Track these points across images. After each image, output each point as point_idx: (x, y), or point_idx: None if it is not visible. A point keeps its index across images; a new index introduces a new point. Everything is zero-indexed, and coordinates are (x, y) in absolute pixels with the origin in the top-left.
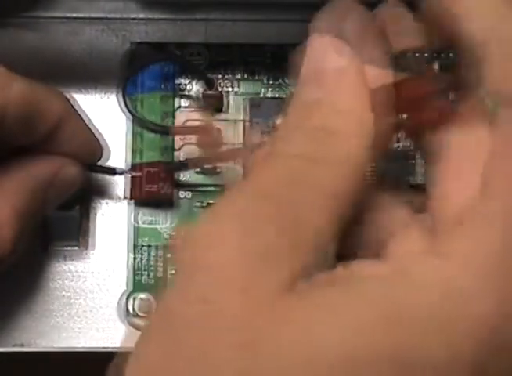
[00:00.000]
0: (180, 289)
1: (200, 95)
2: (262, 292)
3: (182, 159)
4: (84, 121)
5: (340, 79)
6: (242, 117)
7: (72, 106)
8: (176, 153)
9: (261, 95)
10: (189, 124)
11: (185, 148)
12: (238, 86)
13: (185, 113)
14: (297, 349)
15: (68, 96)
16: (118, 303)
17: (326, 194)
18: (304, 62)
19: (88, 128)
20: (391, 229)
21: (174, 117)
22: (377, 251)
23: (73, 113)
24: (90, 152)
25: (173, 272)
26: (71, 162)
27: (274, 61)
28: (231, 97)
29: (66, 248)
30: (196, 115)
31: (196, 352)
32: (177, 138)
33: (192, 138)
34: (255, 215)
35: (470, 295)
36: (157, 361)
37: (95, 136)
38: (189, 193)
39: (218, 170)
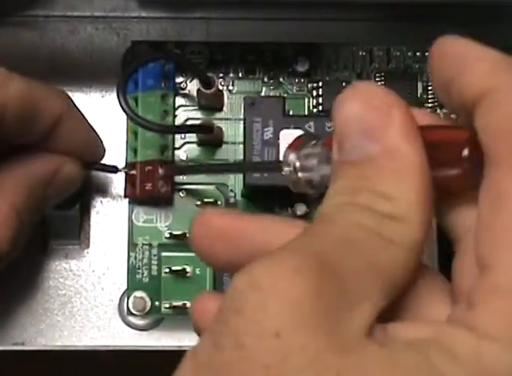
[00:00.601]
0: (251, 324)
1: (200, 94)
2: (338, 334)
3: (182, 158)
4: (85, 119)
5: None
6: (242, 116)
7: (73, 104)
8: (177, 152)
9: (261, 94)
10: (189, 122)
11: (186, 147)
12: (238, 85)
13: (186, 112)
14: None
15: (69, 95)
16: (118, 301)
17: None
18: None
19: (90, 126)
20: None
21: (174, 116)
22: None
23: (73, 112)
24: (91, 150)
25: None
26: (71, 160)
27: (274, 60)
28: (231, 96)
29: (65, 247)
30: (196, 114)
31: None
32: (177, 137)
33: (193, 137)
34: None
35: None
36: None
37: (96, 135)
38: (188, 191)
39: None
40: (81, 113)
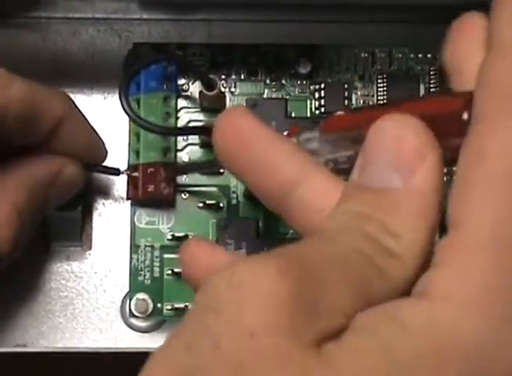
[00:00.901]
0: (228, 323)
1: (202, 96)
2: (311, 333)
3: (185, 160)
4: (87, 121)
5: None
6: None
7: (75, 106)
8: (179, 154)
9: (263, 96)
10: (191, 124)
11: (188, 149)
12: (240, 87)
13: (188, 114)
14: None
15: (71, 97)
16: (120, 303)
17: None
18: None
19: (92, 128)
20: None
21: (176, 118)
22: None
23: (74, 113)
24: (93, 152)
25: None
26: (73, 162)
27: (276, 62)
28: (233, 97)
29: (67, 248)
30: (198, 116)
31: None
32: (179, 139)
33: (195, 138)
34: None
35: (457, 327)
36: None
37: (98, 137)
38: (190, 193)
39: (221, 171)
40: (83, 115)
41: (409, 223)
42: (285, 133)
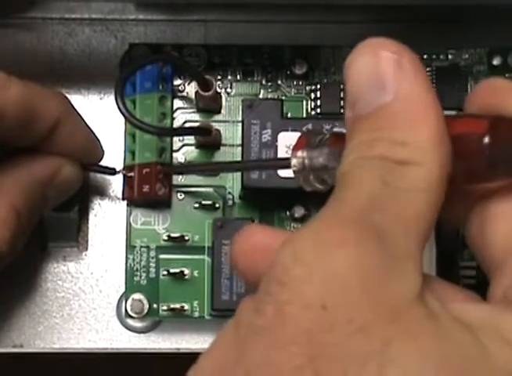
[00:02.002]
0: (295, 295)
1: (198, 97)
2: (387, 303)
3: (181, 161)
4: (84, 121)
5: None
6: (240, 119)
7: (72, 106)
8: (175, 155)
9: (259, 96)
10: (187, 125)
11: (184, 149)
12: (236, 87)
13: (184, 115)
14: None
15: (67, 97)
16: (116, 304)
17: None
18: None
19: (89, 128)
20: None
21: (172, 118)
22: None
23: (71, 114)
24: (90, 152)
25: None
26: (70, 163)
27: (272, 62)
28: (229, 98)
29: (64, 249)
30: (194, 116)
31: (309, 353)
32: (175, 139)
33: (191, 139)
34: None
35: None
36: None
37: (96, 137)
38: (186, 194)
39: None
40: (80, 115)
41: (412, 127)
42: (291, 144)
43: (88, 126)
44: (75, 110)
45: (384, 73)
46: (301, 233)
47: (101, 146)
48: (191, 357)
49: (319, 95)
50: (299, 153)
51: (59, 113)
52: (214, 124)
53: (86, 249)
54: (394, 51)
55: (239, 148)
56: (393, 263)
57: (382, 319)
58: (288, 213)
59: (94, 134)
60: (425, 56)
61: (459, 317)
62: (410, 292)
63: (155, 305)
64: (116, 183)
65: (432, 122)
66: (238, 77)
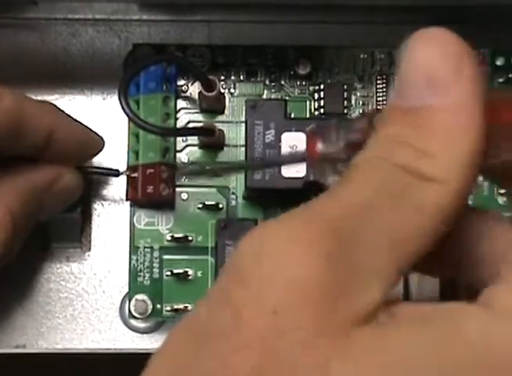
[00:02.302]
0: (252, 297)
1: (202, 97)
2: (339, 316)
3: (184, 161)
4: (77, 122)
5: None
6: (243, 119)
7: (63, 114)
8: (178, 155)
9: (263, 97)
10: (191, 125)
11: (188, 149)
12: (239, 87)
13: (187, 115)
14: None
15: (70, 97)
16: (120, 305)
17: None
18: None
19: (83, 127)
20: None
21: (175, 119)
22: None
23: (63, 121)
24: (88, 151)
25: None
26: (71, 171)
27: (275, 63)
28: (232, 98)
29: (67, 249)
30: (197, 117)
31: (261, 359)
32: (179, 139)
33: (195, 139)
34: (342, 229)
35: None
36: (186, 361)
37: (91, 131)
38: (189, 194)
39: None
40: (73, 118)
41: (446, 141)
42: (295, 144)
43: (82, 124)
44: (66, 114)
45: (440, 73)
46: (273, 225)
47: (100, 137)
48: None
49: (322, 96)
50: (319, 145)
51: (51, 123)
52: (217, 124)
53: (89, 250)
54: (457, 53)
55: (243, 148)
56: (357, 279)
57: (329, 333)
58: None
59: (88, 128)
60: None
61: (415, 314)
62: (363, 311)
63: (158, 306)
64: (119, 184)
65: (469, 143)
66: (241, 77)
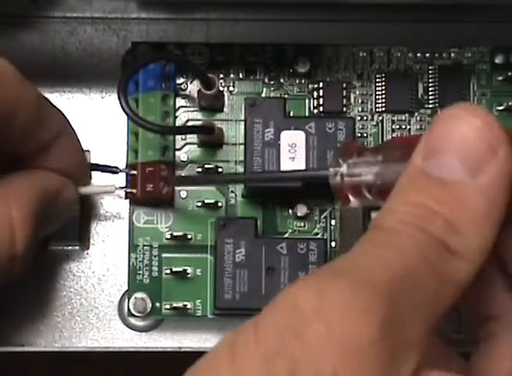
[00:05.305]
0: (310, 355)
1: (201, 95)
2: None
3: (183, 160)
4: (79, 141)
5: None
6: (243, 117)
7: (70, 124)
8: (177, 153)
9: (262, 95)
10: (190, 123)
11: (187, 148)
12: (238, 86)
13: (186, 113)
14: None
15: (69, 96)
16: (118, 303)
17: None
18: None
19: (82, 150)
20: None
21: (174, 117)
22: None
23: (70, 131)
24: (82, 174)
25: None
26: (71, 184)
27: (274, 61)
28: (231, 97)
29: (66, 248)
30: (196, 115)
31: None
32: (178, 138)
33: (194, 138)
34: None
35: None
36: None
37: (87, 160)
38: (189, 192)
39: (219, 170)
40: (76, 135)
41: (476, 221)
42: (294, 143)
43: (82, 149)
44: (73, 129)
45: (475, 151)
46: (330, 283)
47: (90, 171)
48: (193, 356)
49: (321, 94)
50: (339, 168)
51: (61, 124)
52: (216, 122)
53: (88, 248)
54: (497, 137)
55: (242, 147)
56: (402, 348)
57: None
58: (291, 212)
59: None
60: (427, 55)
61: None
62: (412, 374)
63: (158, 304)
64: (119, 182)
65: (493, 226)
66: (240, 75)
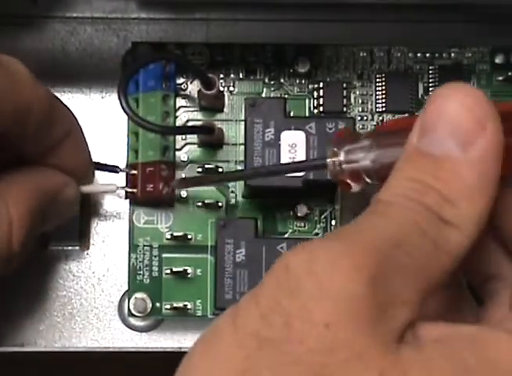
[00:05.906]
0: (303, 309)
1: (201, 95)
2: (385, 333)
3: (183, 160)
4: (86, 142)
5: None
6: (243, 117)
7: (78, 123)
8: (178, 153)
9: (262, 95)
10: (190, 123)
11: (187, 148)
12: (239, 86)
13: (187, 113)
14: None
15: (69, 96)
16: (118, 303)
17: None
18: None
19: (89, 151)
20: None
21: (175, 117)
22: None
23: (79, 131)
24: (87, 174)
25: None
26: (73, 184)
27: (275, 61)
28: (232, 97)
29: (66, 248)
30: (197, 115)
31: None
32: (178, 138)
33: (194, 138)
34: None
35: None
36: None
37: (92, 160)
38: (189, 192)
39: (220, 170)
40: (84, 137)
41: (468, 193)
42: (294, 143)
43: (89, 150)
44: (81, 128)
45: (464, 126)
46: (321, 245)
47: (95, 174)
48: None
49: (321, 94)
50: (336, 156)
51: (71, 123)
52: (216, 122)
53: (88, 248)
54: (484, 112)
55: (242, 147)
56: (391, 302)
57: (380, 348)
58: (291, 212)
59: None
60: (428, 55)
61: (442, 337)
62: (398, 330)
63: (158, 304)
64: (119, 182)
65: (487, 195)
66: (241, 75)
